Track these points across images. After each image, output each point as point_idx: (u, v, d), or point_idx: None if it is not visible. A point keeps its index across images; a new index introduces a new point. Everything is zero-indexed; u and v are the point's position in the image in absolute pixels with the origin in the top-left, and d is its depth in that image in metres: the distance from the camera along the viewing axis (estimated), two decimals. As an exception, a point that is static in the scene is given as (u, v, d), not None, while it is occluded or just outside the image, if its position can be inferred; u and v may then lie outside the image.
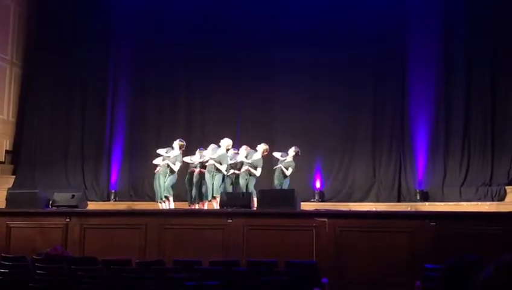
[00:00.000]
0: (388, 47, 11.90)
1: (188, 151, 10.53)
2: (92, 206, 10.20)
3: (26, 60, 13.47)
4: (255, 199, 9.25)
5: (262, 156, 10.14)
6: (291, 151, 10.29)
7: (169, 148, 10.28)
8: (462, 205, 10.24)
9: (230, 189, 10.02)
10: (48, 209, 8.78)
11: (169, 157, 10.06)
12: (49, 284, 5.33)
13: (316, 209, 8.64)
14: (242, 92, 12.43)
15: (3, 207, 9.21)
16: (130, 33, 13.19)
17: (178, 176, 10.28)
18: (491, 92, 11.07)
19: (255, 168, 9.99)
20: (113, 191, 12.43)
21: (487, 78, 11.13)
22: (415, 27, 11.81)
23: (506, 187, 10.45)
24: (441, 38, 11.57)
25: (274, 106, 12.31)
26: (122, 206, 11.46)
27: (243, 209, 8.19)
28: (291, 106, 12.09)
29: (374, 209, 10.29)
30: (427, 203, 10.70)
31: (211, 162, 9.81)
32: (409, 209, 10.34)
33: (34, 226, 8.37)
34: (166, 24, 12.90)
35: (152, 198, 11.59)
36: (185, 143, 10.33)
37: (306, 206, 9.79)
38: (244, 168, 10.03)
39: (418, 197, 10.95)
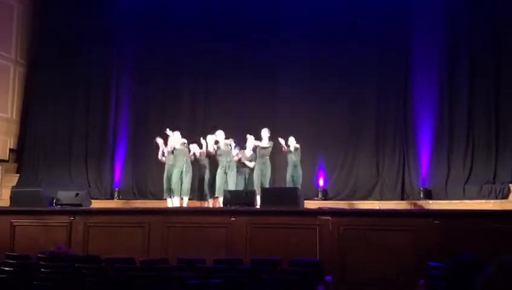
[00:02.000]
0: (391, 44, 11.86)
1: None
2: (96, 204, 10.23)
3: (30, 59, 13.51)
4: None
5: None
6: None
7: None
8: (466, 203, 10.19)
9: (243, 184, 10.09)
10: (51, 208, 8.81)
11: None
12: (53, 283, 5.34)
13: (320, 208, 8.60)
14: (245, 90, 12.41)
15: (8, 205, 9.24)
16: (133, 31, 13.22)
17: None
18: (495, 89, 11.02)
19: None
20: (116, 189, 12.47)
21: (491, 75, 11.08)
22: (418, 23, 11.75)
23: (510, 185, 10.43)
24: (444, 35, 11.52)
25: (276, 104, 12.29)
26: (125, 204, 11.48)
27: (246, 208, 8.19)
28: (294, 103, 12.08)
29: (377, 207, 10.28)
30: (430, 201, 10.68)
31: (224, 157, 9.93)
32: (412, 207, 10.33)
33: (38, 224, 8.39)
34: (169, 22, 12.92)
35: (155, 196, 11.62)
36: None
37: (309, 204, 9.78)
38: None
39: (422, 195, 10.93)
